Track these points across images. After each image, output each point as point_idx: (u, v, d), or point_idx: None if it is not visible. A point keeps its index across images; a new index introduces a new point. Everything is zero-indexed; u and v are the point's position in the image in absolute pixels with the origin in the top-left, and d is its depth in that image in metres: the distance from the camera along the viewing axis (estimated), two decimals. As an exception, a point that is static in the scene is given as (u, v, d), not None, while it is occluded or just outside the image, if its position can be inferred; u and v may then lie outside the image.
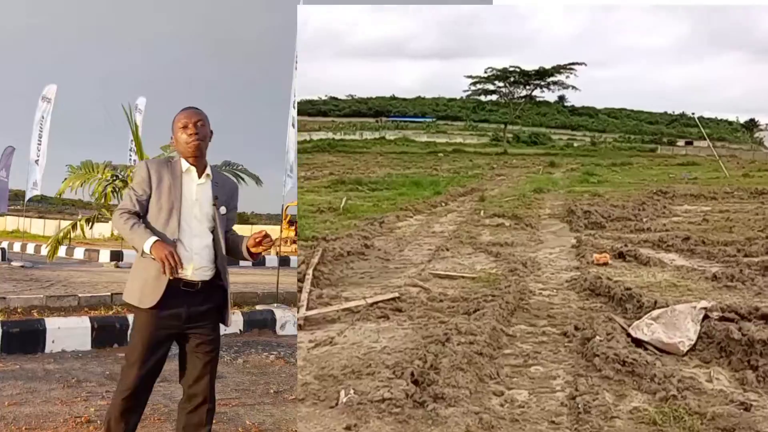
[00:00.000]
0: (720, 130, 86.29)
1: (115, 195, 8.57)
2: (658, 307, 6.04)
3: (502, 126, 58.22)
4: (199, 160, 3.32)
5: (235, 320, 7.46)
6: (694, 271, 7.71)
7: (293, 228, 22.32)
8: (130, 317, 7.15)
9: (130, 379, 3.18)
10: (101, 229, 22.22)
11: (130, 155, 18.51)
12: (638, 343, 5.36)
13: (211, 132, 3.39)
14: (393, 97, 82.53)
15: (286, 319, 8.21)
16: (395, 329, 5.63)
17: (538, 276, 7.95)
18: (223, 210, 3.31)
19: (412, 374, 4.21)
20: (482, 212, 13.78)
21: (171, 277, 3.08)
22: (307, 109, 79.62)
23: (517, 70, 54.02)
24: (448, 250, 9.43)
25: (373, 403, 3.80)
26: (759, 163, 32.77)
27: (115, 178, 8.51)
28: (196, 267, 3.24)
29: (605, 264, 8.36)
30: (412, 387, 4.05)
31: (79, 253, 18.22)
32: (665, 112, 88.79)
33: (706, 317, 5.52)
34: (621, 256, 8.76)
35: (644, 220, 11.79)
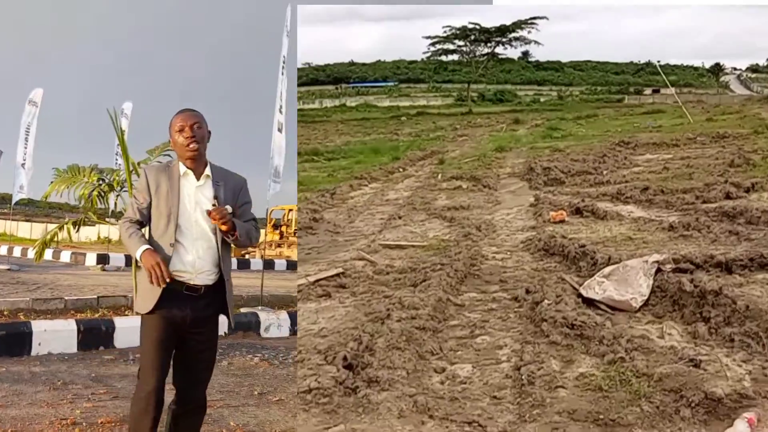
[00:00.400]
0: (686, 76, 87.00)
1: (102, 199, 8.59)
2: (612, 263, 5.93)
3: (466, 85, 57.78)
4: (197, 163, 3.30)
5: (220, 322, 7.35)
6: (651, 222, 7.60)
7: (278, 231, 22.52)
8: (117, 320, 7.23)
9: (150, 385, 3.20)
10: (87, 233, 22.16)
11: (116, 159, 18.32)
12: (590, 302, 5.25)
13: (209, 132, 3.37)
14: (352, 63, 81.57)
15: (270, 321, 8.34)
16: (336, 308, 5.43)
17: (492, 239, 7.79)
18: (228, 209, 3.22)
19: (345, 358, 4.01)
20: (440, 176, 13.59)
21: (159, 287, 3.11)
22: (264, 80, 78.54)
23: (477, 27, 53.54)
24: (400, 218, 9.24)
25: (298, 394, 3.60)
26: (723, 106, 33.00)
27: (101, 182, 8.51)
28: (199, 271, 3.24)
29: (562, 221, 8.23)
30: (344, 372, 3.85)
31: (65, 256, 18.44)
32: (631, 62, 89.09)
33: (659, 271, 5.41)
34: (578, 211, 8.63)
35: (604, 172, 11.70)
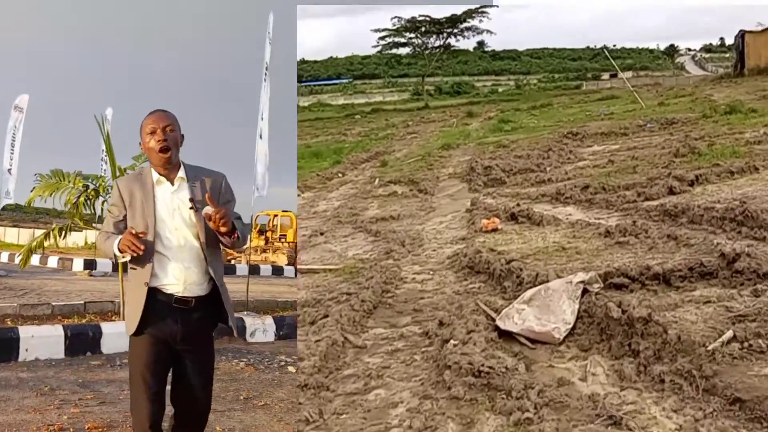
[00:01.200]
0: (642, 59, 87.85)
1: (88, 205, 8.73)
2: (540, 282, 5.31)
3: (421, 79, 57.25)
4: (169, 169, 3.13)
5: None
6: (588, 227, 7.00)
7: (263, 237, 22.68)
8: (103, 325, 7.26)
9: (145, 411, 2.99)
10: (75, 238, 22.14)
11: (102, 165, 18.00)
12: (509, 335, 4.61)
13: (182, 136, 3.18)
14: (303, 61, 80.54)
15: (255, 326, 8.36)
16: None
17: (416, 255, 7.12)
18: (208, 210, 2.97)
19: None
20: (377, 180, 12.91)
21: (136, 253, 2.90)
22: (215, 84, 77.11)
23: (427, 18, 53.00)
24: (322, 234, 8.52)
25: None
26: (677, 89, 32.90)
27: (86, 187, 8.59)
28: (188, 282, 3.05)
29: (495, 230, 7.60)
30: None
31: (53, 261, 18.61)
32: (588, 47, 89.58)
33: (586, 291, 4.79)
34: (513, 217, 8.02)
35: (547, 169, 11.13)
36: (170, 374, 3.21)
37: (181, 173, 3.15)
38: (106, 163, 17.91)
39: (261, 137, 10.04)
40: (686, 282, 5.11)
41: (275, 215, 24.02)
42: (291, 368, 6.73)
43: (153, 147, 3.07)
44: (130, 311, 3.07)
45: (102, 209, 8.71)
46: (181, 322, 3.04)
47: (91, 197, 8.59)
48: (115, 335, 7.23)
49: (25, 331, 6.91)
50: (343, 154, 19.68)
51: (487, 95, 58.76)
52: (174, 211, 3.09)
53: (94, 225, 8.61)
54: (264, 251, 22.90)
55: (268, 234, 23.76)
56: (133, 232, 2.93)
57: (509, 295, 5.44)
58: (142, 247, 2.90)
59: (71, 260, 18.03)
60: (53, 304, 8.72)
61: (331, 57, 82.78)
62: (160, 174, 3.12)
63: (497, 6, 54.73)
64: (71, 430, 4.51)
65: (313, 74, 79.59)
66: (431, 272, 6.49)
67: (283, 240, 23.29)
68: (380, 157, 17.89)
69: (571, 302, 4.67)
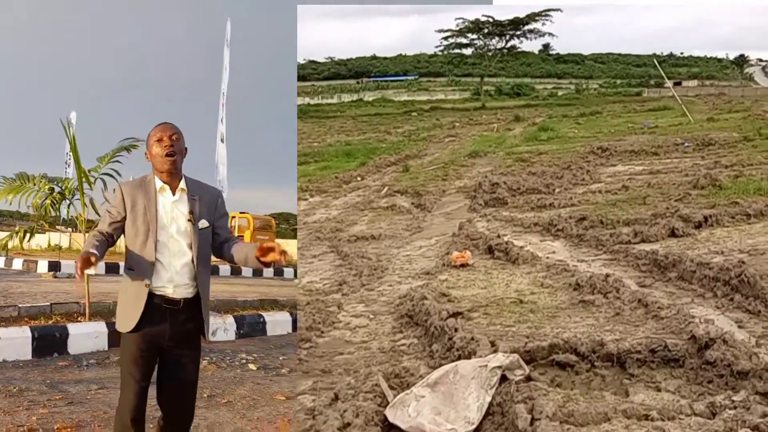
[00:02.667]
0: (710, 68, 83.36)
1: (54, 207, 8.43)
2: (470, 350, 4.23)
3: (481, 79, 55.59)
4: (173, 176, 3.16)
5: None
6: (563, 273, 5.80)
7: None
8: (70, 326, 7.03)
9: (130, 402, 3.05)
10: (38, 240, 22.02)
11: (66, 168, 17.56)
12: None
13: (186, 149, 3.22)
14: (374, 57, 79.87)
15: (217, 325, 8.11)
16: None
17: (369, 291, 6.07)
18: (203, 224, 3.15)
19: None
20: (385, 189, 11.85)
21: (79, 274, 2.92)
22: (287, 75, 77.09)
23: (490, 20, 51.26)
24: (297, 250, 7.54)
25: None
26: (734, 102, 30.48)
27: (52, 190, 8.27)
28: (177, 285, 3.11)
29: (464, 265, 6.48)
30: None
31: (17, 263, 17.91)
32: (654, 54, 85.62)
33: (505, 378, 3.67)
34: (490, 251, 6.87)
35: (556, 191, 9.85)
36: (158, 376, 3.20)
37: (182, 185, 3.17)
38: (69, 165, 17.44)
39: (222, 141, 9.49)
40: (644, 368, 3.97)
41: (233, 217, 23.11)
42: (252, 366, 6.52)
43: (159, 153, 3.10)
44: (128, 310, 3.08)
45: (68, 212, 8.50)
46: (169, 322, 3.08)
47: (56, 200, 8.21)
48: (82, 336, 7.01)
49: None
50: (376, 154, 18.70)
51: (546, 98, 56.64)
52: (172, 220, 3.13)
53: (57, 227, 8.15)
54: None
55: None
56: (92, 259, 2.89)
57: (436, 360, 4.38)
58: (81, 273, 2.92)
59: (36, 262, 17.22)
60: (19, 305, 8.19)
61: (401, 54, 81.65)
62: (164, 181, 3.14)
63: (560, 10, 52.31)
64: (41, 430, 4.37)
65: (382, 70, 78.70)
66: (372, 316, 5.44)
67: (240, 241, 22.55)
68: (408, 161, 16.83)
69: (482, 393, 3.56)
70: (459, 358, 4.25)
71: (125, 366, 3.10)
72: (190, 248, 3.11)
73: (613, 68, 79.78)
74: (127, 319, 3.07)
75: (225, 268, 17.78)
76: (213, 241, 3.24)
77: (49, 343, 6.85)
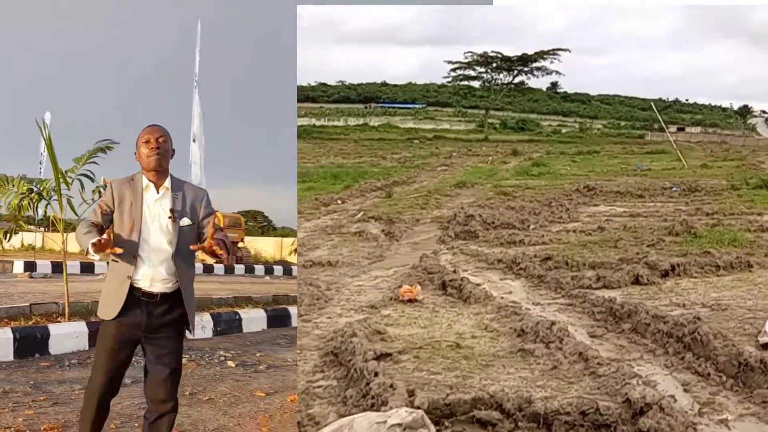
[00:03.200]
0: (713, 116, 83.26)
1: (31, 207, 8.39)
2: (384, 399, 3.78)
3: (485, 112, 55.44)
4: (159, 175, 3.25)
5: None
6: (512, 317, 5.33)
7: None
8: (51, 327, 6.95)
9: (97, 383, 3.19)
10: (12, 240, 21.33)
11: (40, 168, 17.13)
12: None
13: (173, 150, 3.33)
14: (384, 83, 79.91)
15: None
16: None
17: (302, 324, 5.60)
18: (185, 221, 3.21)
19: None
20: (360, 214, 11.44)
21: (97, 254, 3.03)
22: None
23: (498, 55, 51.28)
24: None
25: None
26: (732, 150, 30.12)
27: (30, 191, 8.21)
28: (155, 279, 3.17)
29: (412, 301, 6.03)
30: None
31: None
32: (660, 99, 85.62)
33: (407, 436, 3.21)
34: (443, 286, 6.42)
35: (530, 227, 9.40)
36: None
37: (167, 183, 3.25)
38: (43, 165, 17.06)
39: (194, 140, 9.66)
40: (571, 432, 3.49)
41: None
42: (230, 363, 6.51)
43: (145, 153, 3.19)
44: (109, 299, 3.16)
45: (45, 212, 8.47)
46: (146, 313, 3.15)
47: (34, 200, 8.17)
48: (63, 336, 6.94)
49: None
50: (364, 179, 18.32)
51: (549, 135, 56.44)
52: (155, 217, 3.19)
53: (31, 227, 7.87)
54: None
55: None
56: (111, 243, 3.00)
57: (347, 409, 3.92)
58: (118, 250, 3.03)
59: (11, 263, 16.94)
60: None
61: (411, 82, 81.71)
62: (150, 180, 3.22)
63: (569, 50, 52.37)
64: (27, 431, 4.32)
65: (391, 97, 78.66)
66: (298, 351, 4.98)
67: None
68: (394, 187, 16.43)
69: (375, 452, 3.10)
70: (372, 406, 3.80)
71: (99, 352, 3.23)
72: (171, 245, 3.18)
73: (619, 110, 79.65)
74: (108, 308, 3.17)
75: (197, 266, 17.34)
76: (199, 238, 3.27)
77: (31, 343, 6.75)
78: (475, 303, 5.91)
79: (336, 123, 61.19)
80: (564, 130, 62.02)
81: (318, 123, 59.61)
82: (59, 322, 7.56)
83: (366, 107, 73.76)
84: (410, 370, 4.29)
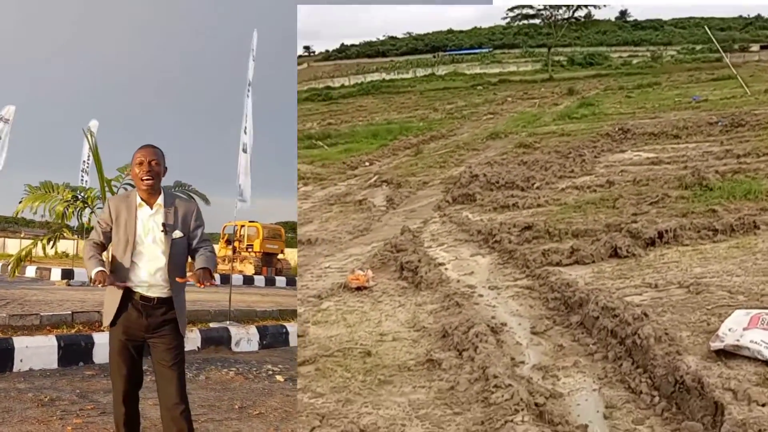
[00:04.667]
0: (801, 30, 75.39)
1: (76, 215, 8.35)
2: None
3: (547, 50, 52.35)
4: (150, 194, 3.32)
5: (193, 337, 7.27)
6: (448, 311, 4.52)
7: (230, 247, 20.64)
8: (95, 335, 6.83)
9: (118, 388, 3.31)
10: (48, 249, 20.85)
11: (83, 176, 16.42)
12: None
13: (165, 168, 3.38)
14: (450, 31, 77.04)
15: (240, 336, 7.67)
16: None
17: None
18: (177, 234, 3.30)
19: None
20: (374, 178, 10.66)
21: (104, 285, 3.18)
22: (367, 51, 75.78)
23: (556, -11, 47.77)
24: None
25: None
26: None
27: (75, 198, 8.16)
28: (152, 285, 3.27)
29: (361, 288, 5.30)
30: None
31: (30, 271, 16.61)
32: (740, 16, 78.26)
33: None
34: (401, 269, 5.64)
35: (535, 185, 8.33)
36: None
37: (160, 200, 3.32)
38: (87, 173, 16.22)
39: (244, 151, 8.89)
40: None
41: (242, 225, 21.71)
42: (279, 377, 6.14)
43: (138, 175, 3.27)
44: (108, 307, 3.29)
45: (89, 219, 8.13)
46: (146, 316, 3.24)
47: (79, 208, 8.02)
48: (107, 345, 6.32)
49: (20, 342, 6.29)
50: (406, 134, 17.39)
51: (618, 68, 52.67)
52: (149, 231, 3.29)
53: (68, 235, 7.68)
54: (231, 261, 20.76)
55: (236, 244, 21.51)
56: (108, 278, 3.15)
57: None
58: (120, 286, 3.20)
59: (49, 270, 16.09)
60: (42, 314, 7.68)
61: (475, 27, 78.38)
62: (143, 198, 3.30)
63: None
64: None
65: (457, 44, 75.89)
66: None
67: (249, 250, 21.17)
68: (431, 142, 15.47)
69: None
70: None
71: (112, 357, 3.32)
72: (165, 255, 3.26)
73: (694, 33, 73.32)
74: (107, 315, 3.30)
75: (237, 278, 16.65)
76: (189, 248, 3.35)
77: (75, 352, 6.52)
78: (426, 289, 5.12)
79: (405, 75, 59.63)
80: (635, 61, 57.70)
81: (388, 77, 58.26)
82: (102, 330, 7.14)
83: (434, 56, 71.62)
84: (299, 389, 3.60)
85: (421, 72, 60.58)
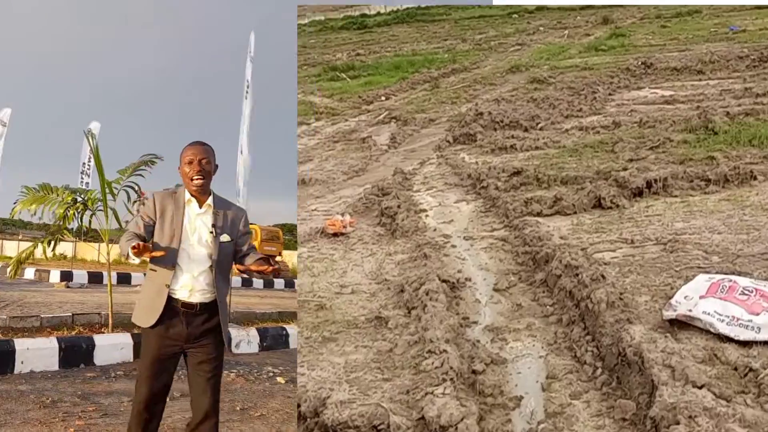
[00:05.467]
0: None
1: (76, 218, 7.90)
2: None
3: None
4: (200, 193, 3.11)
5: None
6: (420, 260, 4.29)
7: None
8: (95, 337, 6.65)
9: (143, 394, 3.04)
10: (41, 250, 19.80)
11: (82, 178, 15.78)
12: None
13: (216, 166, 3.17)
14: (490, -44, 73.16)
15: (240, 338, 7.48)
16: None
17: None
18: (225, 238, 3.08)
19: None
20: (384, 114, 10.29)
21: (137, 257, 2.85)
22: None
23: None
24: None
25: None
26: None
27: (75, 200, 7.78)
28: (194, 290, 3.04)
29: (338, 234, 5.10)
30: None
31: (29, 273, 15.87)
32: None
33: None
34: (381, 214, 5.40)
35: (539, 125, 7.87)
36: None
37: (210, 201, 3.14)
38: (87, 176, 15.59)
39: (242, 152, 8.61)
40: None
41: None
42: (280, 379, 5.85)
43: (188, 174, 3.08)
44: (148, 307, 3.03)
45: (90, 222, 7.80)
46: (186, 324, 3.02)
47: (79, 210, 7.55)
48: (108, 347, 6.49)
49: (21, 344, 6.12)
50: (429, 67, 16.73)
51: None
52: (195, 230, 3.09)
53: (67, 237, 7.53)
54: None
55: None
56: (150, 247, 2.92)
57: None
58: (158, 253, 2.93)
59: (48, 272, 15.39)
60: (42, 316, 7.57)
61: (517, -49, 74.22)
62: (192, 195, 3.12)
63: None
64: None
65: (498, -31, 72.11)
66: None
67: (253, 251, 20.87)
68: (452, 75, 14.84)
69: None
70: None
71: (144, 363, 3.08)
72: (210, 258, 3.07)
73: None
74: (146, 315, 3.03)
75: (236, 280, 15.79)
76: (234, 255, 3.17)
77: (76, 354, 6.38)
78: (401, 237, 4.90)
79: (441, 2, 57.28)
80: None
81: (423, 4, 56.15)
82: (103, 332, 7.12)
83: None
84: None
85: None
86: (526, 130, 7.76)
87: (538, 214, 4.87)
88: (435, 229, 4.95)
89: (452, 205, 5.52)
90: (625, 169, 5.29)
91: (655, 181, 4.93)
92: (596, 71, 12.00)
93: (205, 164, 3.08)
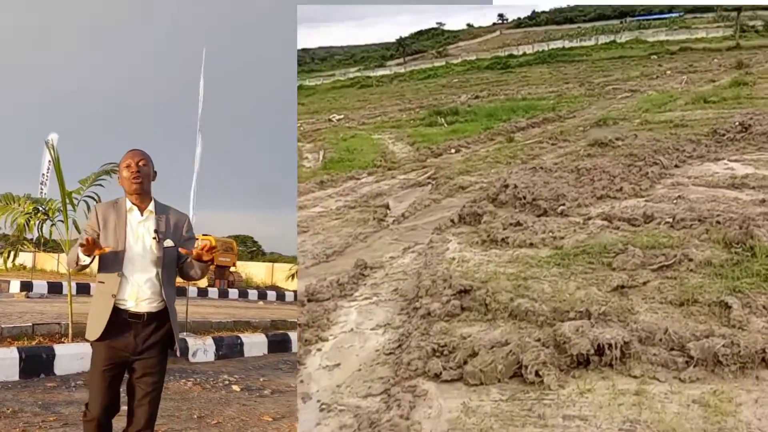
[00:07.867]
0: None
1: (37, 227, 7.55)
2: None
3: (738, 12, 42.69)
4: (141, 198, 2.87)
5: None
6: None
7: None
8: (56, 347, 6.27)
9: (94, 408, 2.77)
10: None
11: (41, 189, 14.95)
12: None
13: (155, 172, 2.94)
14: (640, -5, 66.57)
15: (197, 347, 7.18)
16: None
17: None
18: (168, 243, 2.84)
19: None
20: (431, 172, 8.74)
21: (87, 255, 2.65)
22: (555, 18, 68.83)
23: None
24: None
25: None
26: None
27: (36, 210, 7.44)
28: (141, 299, 2.78)
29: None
30: None
31: None
32: None
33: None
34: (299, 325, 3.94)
35: (560, 208, 5.84)
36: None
37: (151, 207, 2.89)
38: (45, 186, 14.66)
39: (195, 166, 8.13)
40: None
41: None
42: (235, 387, 5.64)
43: (127, 177, 2.84)
44: (95, 319, 2.79)
45: (50, 232, 7.27)
46: (134, 335, 2.75)
47: (40, 220, 7.13)
48: (68, 357, 6.07)
49: None
50: (524, 115, 14.70)
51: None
52: (139, 238, 2.83)
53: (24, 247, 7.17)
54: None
55: None
56: (100, 244, 2.68)
57: None
58: (107, 249, 2.70)
59: (8, 282, 14.21)
60: (2, 326, 7.09)
61: (667, -10, 66.88)
62: (133, 203, 2.87)
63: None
64: None
65: (648, 8, 65.70)
66: None
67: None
68: (535, 128, 12.78)
69: None
70: None
71: (93, 374, 2.85)
72: (155, 265, 2.82)
73: None
74: (93, 329, 2.80)
75: (192, 290, 14.35)
76: (178, 261, 2.89)
77: (36, 363, 5.94)
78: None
79: (586, 43, 52.92)
80: None
81: (568, 45, 52.25)
82: (63, 342, 6.63)
83: (621, 22, 62.83)
84: None
85: (603, 39, 53.39)
86: (543, 213, 5.81)
87: (436, 377, 3.14)
88: (309, 382, 3.40)
89: (366, 332, 3.91)
90: (588, 313, 3.33)
91: (610, 346, 2.96)
92: (692, 129, 9.38)
93: (142, 165, 2.84)
